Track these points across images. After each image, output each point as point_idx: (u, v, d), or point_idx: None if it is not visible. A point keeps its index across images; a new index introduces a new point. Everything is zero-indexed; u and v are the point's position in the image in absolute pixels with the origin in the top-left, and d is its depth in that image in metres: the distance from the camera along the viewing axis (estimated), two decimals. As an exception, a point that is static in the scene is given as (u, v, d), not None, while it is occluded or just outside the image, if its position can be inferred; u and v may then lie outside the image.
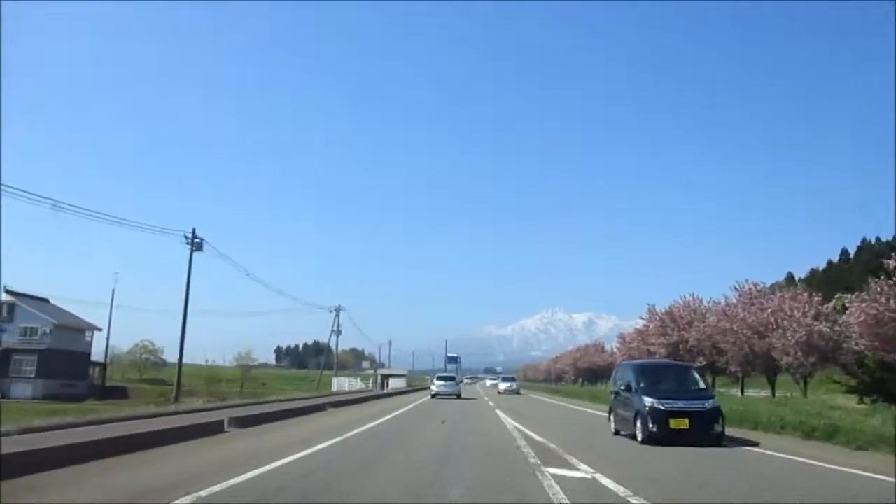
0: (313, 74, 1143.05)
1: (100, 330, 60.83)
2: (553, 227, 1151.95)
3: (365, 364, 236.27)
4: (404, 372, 69.65)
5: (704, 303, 44.04)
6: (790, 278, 69.05)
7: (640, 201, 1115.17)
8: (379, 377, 61.38)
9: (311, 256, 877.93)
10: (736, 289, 36.73)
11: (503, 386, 53.31)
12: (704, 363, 39.40)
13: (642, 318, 49.77)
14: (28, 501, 6.07)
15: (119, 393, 59.47)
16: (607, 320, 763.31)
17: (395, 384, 58.19)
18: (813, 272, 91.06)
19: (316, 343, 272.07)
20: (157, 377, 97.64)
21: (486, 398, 38.72)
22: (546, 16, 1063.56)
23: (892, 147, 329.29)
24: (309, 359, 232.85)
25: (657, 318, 45.68)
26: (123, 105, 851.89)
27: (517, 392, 51.10)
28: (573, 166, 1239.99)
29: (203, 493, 6.23)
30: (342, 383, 45.90)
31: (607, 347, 77.34)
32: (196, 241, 33.18)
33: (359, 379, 51.17)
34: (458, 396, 37.34)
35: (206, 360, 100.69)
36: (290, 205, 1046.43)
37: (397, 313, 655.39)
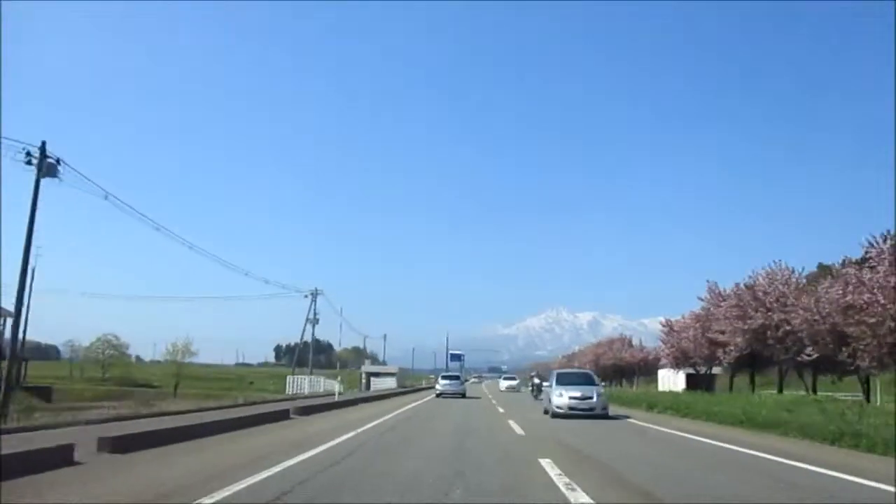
0: (319, 76, 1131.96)
1: (12, 316, 48.44)
2: (557, 225, 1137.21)
3: (367, 362, 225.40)
4: (394, 369, 56.64)
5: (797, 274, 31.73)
6: None
7: (644, 200, 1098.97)
8: (362, 375, 49.14)
9: (311, 255, 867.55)
10: (871, 244, 23.97)
11: (569, 397, 19.47)
12: (814, 356, 26.93)
13: (702, 300, 37.34)
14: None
15: (41, 394, 47.35)
16: (612, 320, 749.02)
17: (380, 384, 46.16)
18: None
19: (317, 341, 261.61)
20: (124, 376, 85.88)
21: (500, 411, 22.98)
22: (547, 14, 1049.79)
23: (893, 145, 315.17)
24: (308, 357, 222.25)
25: (729, 297, 33.19)
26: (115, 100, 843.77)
27: (604, 413, 19.70)
28: (577, 164, 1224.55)
29: None
30: (301, 383, 33.25)
31: (636, 341, 64.81)
32: (49, 160, 20.91)
33: (323, 379, 38.87)
34: (464, 395, 36.77)
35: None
36: (290, 201, 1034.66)
37: (400, 312, 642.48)
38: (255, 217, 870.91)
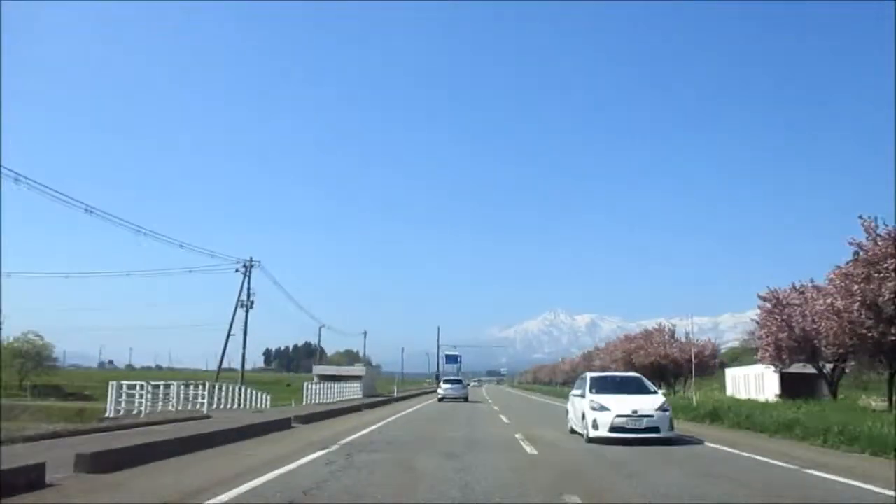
0: (324, 82, 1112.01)
1: None
2: (555, 228, 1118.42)
3: (357, 366, 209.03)
4: (360, 371, 40.47)
5: None
6: None
7: (641, 202, 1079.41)
8: (315, 378, 33.75)
9: (306, 255, 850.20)
10: None
11: None
12: None
13: (856, 244, 21.64)
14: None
15: None
16: (610, 322, 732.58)
17: (328, 394, 30.19)
18: None
19: (307, 344, 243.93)
20: (49, 382, 69.89)
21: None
22: (549, 15, 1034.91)
23: (893, 146, 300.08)
24: (299, 361, 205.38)
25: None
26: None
27: None
28: (575, 167, 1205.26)
29: None
30: (137, 396, 17.48)
31: (680, 334, 48.98)
32: None
33: (234, 389, 23.69)
34: (466, 399, 35.89)
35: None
36: (289, 200, 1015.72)
37: (397, 316, 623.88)
38: (252, 218, 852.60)
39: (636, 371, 52.14)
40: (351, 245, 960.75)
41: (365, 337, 71.12)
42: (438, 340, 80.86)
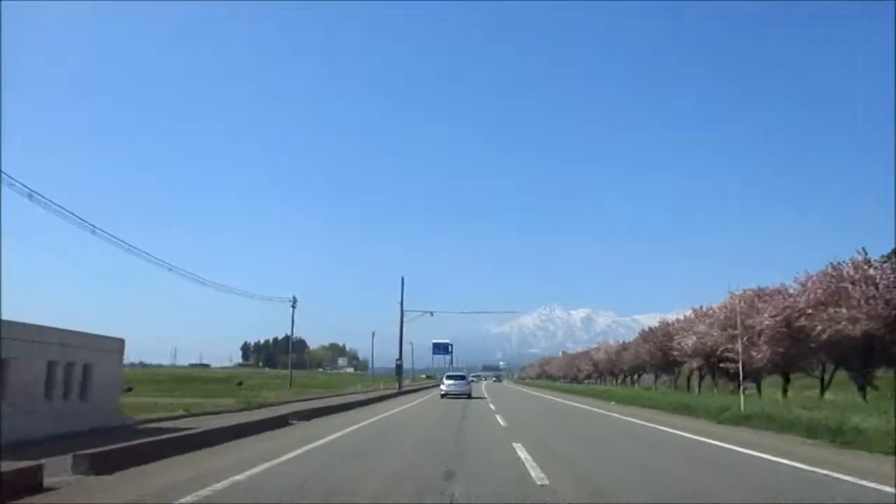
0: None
1: None
2: (550, 224, 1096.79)
3: (342, 361, 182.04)
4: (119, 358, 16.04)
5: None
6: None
7: (637, 199, 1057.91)
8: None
9: (301, 252, 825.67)
10: None
11: None
12: None
13: None
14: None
15: None
16: (605, 316, 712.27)
17: None
18: None
19: (287, 338, 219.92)
20: None
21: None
22: (555, 11, 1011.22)
23: (893, 155, 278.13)
24: (280, 355, 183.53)
25: None
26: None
27: None
28: (571, 164, 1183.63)
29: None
30: None
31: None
32: None
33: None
34: (469, 396, 35.42)
35: None
36: (291, 197, 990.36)
37: (388, 312, 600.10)
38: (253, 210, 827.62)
39: (806, 356, 24.90)
40: (347, 242, 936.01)
41: (293, 306, 47.19)
42: (402, 304, 47.78)
